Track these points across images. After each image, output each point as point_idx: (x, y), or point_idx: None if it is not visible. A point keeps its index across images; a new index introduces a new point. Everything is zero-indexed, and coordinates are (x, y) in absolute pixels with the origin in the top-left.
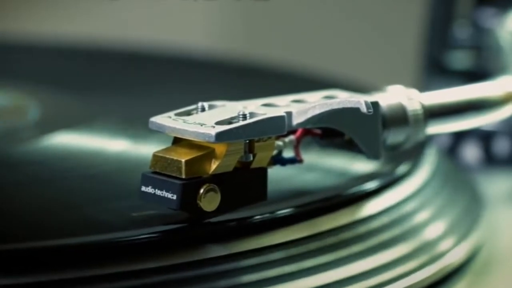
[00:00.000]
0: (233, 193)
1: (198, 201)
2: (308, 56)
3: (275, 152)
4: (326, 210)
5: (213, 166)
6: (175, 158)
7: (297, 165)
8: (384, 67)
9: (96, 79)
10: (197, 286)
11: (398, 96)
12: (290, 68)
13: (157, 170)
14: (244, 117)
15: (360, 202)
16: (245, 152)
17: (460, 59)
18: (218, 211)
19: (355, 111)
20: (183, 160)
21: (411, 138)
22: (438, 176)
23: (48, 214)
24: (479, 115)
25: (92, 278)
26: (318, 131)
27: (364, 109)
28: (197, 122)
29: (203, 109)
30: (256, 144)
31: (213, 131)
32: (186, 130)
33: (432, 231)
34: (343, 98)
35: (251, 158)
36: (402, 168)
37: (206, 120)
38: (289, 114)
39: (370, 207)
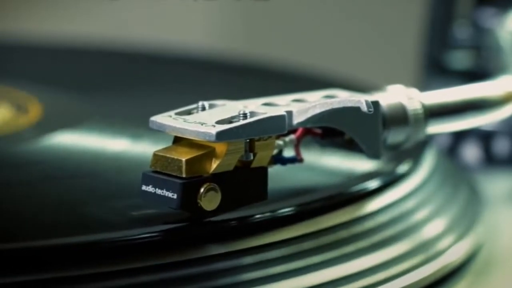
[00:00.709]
0: (234, 192)
1: (199, 201)
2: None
3: (275, 151)
4: (326, 209)
5: (214, 165)
6: (175, 157)
7: (297, 165)
8: (384, 67)
9: (96, 79)
10: (198, 285)
11: (398, 95)
12: (290, 68)
13: (158, 169)
14: (245, 116)
15: (360, 201)
16: (245, 151)
17: (460, 59)
18: (219, 210)
19: (355, 110)
20: (183, 159)
21: (411, 138)
22: (438, 176)
23: (48, 213)
24: (479, 115)
25: (92, 277)
26: (319, 131)
27: (364, 108)
28: (197, 121)
29: (203, 108)
30: (257, 143)
31: (213, 130)
32: (187, 129)
33: (432, 230)
34: (343, 98)
35: (252, 158)
36: (402, 167)
37: (207, 119)
38: (290, 113)
39: (370, 206)
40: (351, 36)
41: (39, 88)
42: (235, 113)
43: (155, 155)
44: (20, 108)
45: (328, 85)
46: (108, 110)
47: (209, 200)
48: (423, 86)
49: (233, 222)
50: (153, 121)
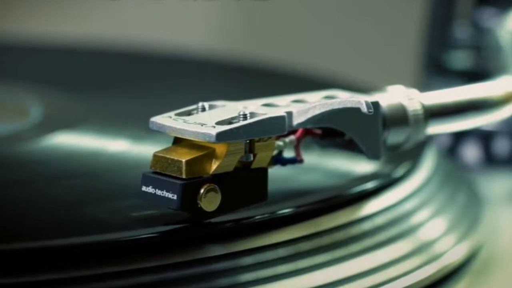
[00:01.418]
0: (234, 193)
1: (199, 201)
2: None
3: (275, 152)
4: (326, 210)
5: (214, 166)
6: (175, 158)
7: (297, 165)
8: (384, 67)
9: (96, 79)
10: (198, 285)
11: (398, 96)
12: (290, 68)
13: (158, 170)
14: (245, 117)
15: (360, 202)
16: (245, 152)
17: (460, 59)
18: (219, 211)
19: (355, 111)
20: (183, 160)
21: (411, 138)
22: (438, 176)
23: (48, 213)
24: (479, 115)
25: (92, 277)
26: (319, 131)
27: (364, 109)
28: (197, 122)
29: (203, 109)
30: (257, 144)
31: (213, 131)
32: (187, 130)
33: (432, 230)
34: (343, 98)
35: (252, 158)
36: (402, 168)
37: (207, 120)
38: (290, 114)
39: (370, 207)
40: (351, 36)
41: (39, 88)
42: (235, 114)
43: (155, 156)
44: (20, 108)
45: (328, 86)
46: (108, 111)
47: (209, 201)
48: (423, 86)
49: (233, 223)
50: (153, 122)
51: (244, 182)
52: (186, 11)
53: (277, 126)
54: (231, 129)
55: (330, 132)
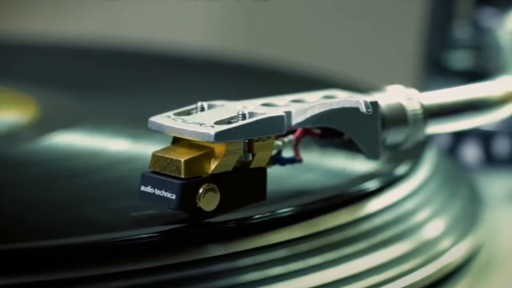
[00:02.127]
0: (233, 192)
1: (198, 201)
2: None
3: (274, 151)
4: (325, 210)
5: (213, 165)
6: (174, 157)
7: (296, 165)
8: (384, 67)
9: (96, 79)
10: (197, 286)
11: (397, 96)
12: (290, 68)
13: (157, 170)
14: (244, 116)
15: (360, 202)
16: (244, 151)
17: (460, 59)
18: (218, 211)
19: (354, 111)
20: (182, 160)
21: (410, 138)
22: (438, 176)
23: (48, 214)
24: (479, 115)
25: (91, 278)
26: (318, 131)
27: (363, 109)
28: (196, 121)
29: (202, 109)
30: (256, 144)
31: (212, 131)
32: (185, 130)
33: (432, 230)
34: (342, 98)
35: (251, 158)
36: (402, 168)
37: (206, 119)
38: (289, 113)
39: (370, 207)
40: (351, 36)
41: (39, 88)
42: (234, 114)
43: (154, 155)
44: (20, 108)
45: (327, 85)
46: (107, 110)
47: (208, 200)
48: (423, 86)
49: (232, 222)
50: (152, 121)
51: (243, 181)
52: (186, 11)
53: (276, 126)
54: (230, 129)
55: (329, 131)
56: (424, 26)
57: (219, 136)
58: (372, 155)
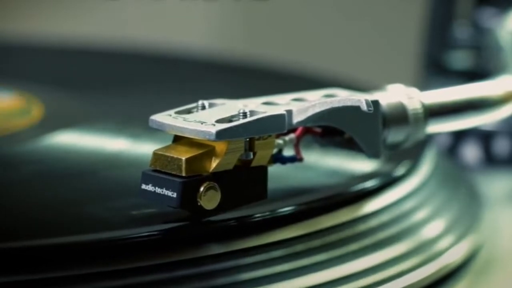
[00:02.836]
0: (234, 191)
1: (198, 199)
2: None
3: (275, 150)
4: (326, 208)
5: (214, 164)
6: (175, 156)
7: (297, 164)
8: (384, 67)
9: (96, 78)
10: (198, 284)
11: (398, 95)
12: (290, 68)
13: (157, 168)
14: (245, 115)
15: (360, 201)
16: (245, 150)
17: (460, 59)
18: (218, 209)
19: (355, 109)
20: (183, 158)
21: (411, 137)
22: (438, 175)
23: (48, 212)
24: (479, 114)
25: (92, 276)
26: (318, 130)
27: (364, 107)
28: (197, 120)
29: (203, 107)
30: (257, 142)
31: (213, 129)
32: (186, 128)
33: (432, 230)
34: (343, 97)
35: (251, 156)
36: (402, 167)
37: (207, 118)
38: (289, 112)
39: (370, 206)
40: (351, 36)
41: (39, 88)
42: (235, 112)
43: (154, 154)
44: (21, 108)
45: (328, 85)
46: (108, 110)
47: (209, 199)
48: (423, 86)
49: (232, 221)
50: (152, 120)
51: (244, 180)
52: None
53: (277, 125)
54: (231, 127)
55: (330, 130)
56: (424, 26)
57: (220, 134)
58: (372, 154)
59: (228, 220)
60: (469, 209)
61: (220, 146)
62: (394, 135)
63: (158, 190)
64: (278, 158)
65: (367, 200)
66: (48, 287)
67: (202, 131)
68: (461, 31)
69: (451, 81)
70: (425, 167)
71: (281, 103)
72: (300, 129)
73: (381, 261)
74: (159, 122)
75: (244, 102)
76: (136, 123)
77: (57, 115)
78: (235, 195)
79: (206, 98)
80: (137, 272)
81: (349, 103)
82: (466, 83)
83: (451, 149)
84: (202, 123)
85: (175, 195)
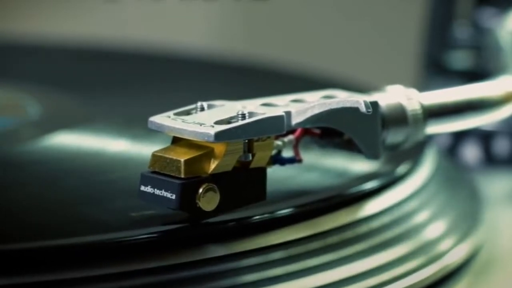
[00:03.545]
0: (233, 192)
1: (197, 201)
2: (308, 56)
3: (274, 151)
4: (325, 210)
5: (212, 165)
6: (174, 157)
7: (296, 165)
8: (384, 67)
9: (96, 79)
10: (197, 286)
11: (397, 96)
12: (290, 68)
13: (156, 170)
14: (243, 116)
15: (360, 202)
16: (244, 151)
17: (460, 59)
18: (217, 210)
19: (354, 110)
20: (182, 160)
21: (410, 138)
22: (438, 176)
23: (48, 214)
24: (479, 114)
25: (91, 278)
26: (317, 131)
27: (363, 108)
28: (196, 121)
29: (202, 109)
30: (255, 144)
31: (212, 131)
32: (185, 130)
33: (432, 231)
34: (342, 98)
35: (250, 158)
36: (402, 168)
37: (205, 119)
38: (288, 113)
39: (370, 207)
40: (351, 36)
41: (39, 88)
42: (233, 114)
43: (153, 155)
44: (20, 108)
45: (327, 85)
46: (108, 110)
47: (208, 200)
48: (423, 86)
49: (232, 223)
50: (151, 121)
51: (243, 181)
52: (186, 11)
53: (276, 126)
54: (229, 129)
55: (329, 131)
56: (424, 26)
57: (219, 136)
58: (372, 155)
59: (227, 221)
60: (469, 209)
61: (219, 148)
62: (393, 136)
63: (157, 191)
64: (277, 160)
65: (366, 201)
66: None
67: (201, 133)
68: (461, 31)
69: (451, 81)
70: (425, 168)
71: (280, 105)
72: (299, 131)
73: (381, 263)
74: (158, 123)
75: (243, 103)
76: (136, 124)
77: (56, 115)
78: (234, 197)
79: (206, 99)
80: (135, 274)
81: (348, 105)
82: (466, 83)
83: (451, 149)
84: (201, 124)
85: (174, 196)
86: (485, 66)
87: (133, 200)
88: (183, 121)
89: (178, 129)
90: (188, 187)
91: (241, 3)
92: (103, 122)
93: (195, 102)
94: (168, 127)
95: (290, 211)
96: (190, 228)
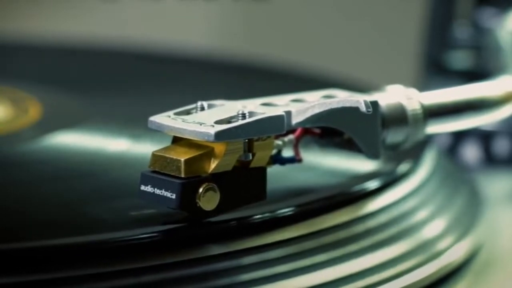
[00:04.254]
0: (233, 192)
1: (198, 200)
2: (308, 56)
3: (274, 151)
4: (325, 209)
5: (213, 165)
6: (174, 157)
7: (296, 165)
8: (384, 67)
9: (96, 79)
10: (197, 285)
11: (397, 95)
12: (290, 68)
13: (156, 169)
14: (244, 116)
15: (360, 201)
16: (244, 151)
17: (460, 59)
18: (218, 210)
19: (354, 110)
20: (182, 159)
21: (410, 138)
22: (438, 176)
23: (48, 213)
24: (479, 114)
25: (92, 277)
26: (317, 131)
27: (363, 108)
28: (196, 121)
29: (202, 108)
30: (255, 143)
31: (212, 130)
32: (185, 129)
33: (432, 230)
34: (342, 98)
35: (251, 158)
36: (402, 168)
37: (205, 119)
38: (288, 113)
39: (370, 206)
40: (351, 36)
41: (39, 88)
42: (234, 113)
43: (153, 155)
44: (20, 108)
45: (327, 85)
46: (108, 110)
47: (208, 200)
48: (423, 86)
49: (232, 222)
50: (152, 121)
51: (243, 181)
52: (186, 11)
53: (276, 126)
54: (229, 128)
55: (329, 131)
56: (424, 26)
57: (219, 135)
58: (372, 154)
59: (227, 221)
60: (469, 209)
61: (219, 147)
62: (393, 136)
63: (157, 191)
64: (277, 159)
65: (366, 200)
66: None
67: (201, 132)
68: (461, 31)
69: (451, 81)
70: (425, 167)
71: (280, 104)
72: (299, 130)
73: (381, 261)
74: (158, 123)
75: (243, 103)
76: (136, 124)
77: (56, 115)
78: (234, 196)
79: (206, 98)
80: (136, 273)
81: (348, 104)
82: (466, 83)
83: (451, 149)
84: (201, 124)
85: (174, 196)
86: (485, 66)
87: (133, 199)
88: (183, 121)
89: (178, 128)
90: (188, 186)
91: (241, 3)
92: (103, 122)
93: (195, 102)
94: (168, 126)
95: (290, 211)
96: (190, 228)
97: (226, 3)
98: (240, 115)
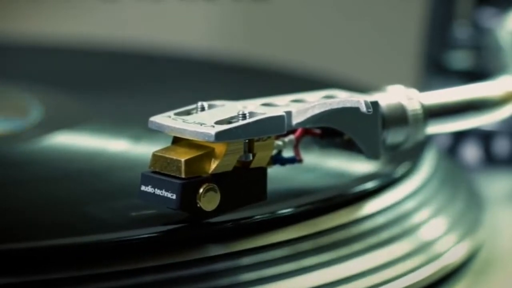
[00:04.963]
0: (233, 192)
1: (198, 201)
2: (308, 56)
3: (274, 151)
4: (326, 210)
5: (213, 165)
6: (174, 157)
7: (296, 165)
8: (384, 67)
9: (96, 79)
10: (197, 285)
11: (397, 96)
12: (290, 68)
13: (157, 170)
14: (244, 116)
15: (360, 202)
16: (244, 151)
17: (460, 59)
18: (218, 210)
19: (354, 110)
20: (182, 160)
21: (410, 138)
22: (438, 176)
23: (48, 213)
24: (479, 115)
25: (92, 277)
26: (318, 131)
27: (363, 108)
28: (196, 121)
29: (202, 109)
30: (256, 144)
31: (212, 131)
32: (186, 130)
33: (432, 230)
34: (342, 98)
35: (251, 158)
36: (402, 168)
37: (206, 119)
38: (289, 113)
39: (370, 207)
40: (351, 36)
41: (39, 88)
42: (234, 114)
43: (154, 155)
44: (21, 108)
45: (327, 85)
46: (108, 110)
47: (208, 200)
48: (423, 86)
49: (232, 222)
50: (152, 121)
51: (243, 181)
52: (186, 11)
53: (276, 126)
54: (230, 129)
55: (330, 131)
56: (424, 26)
57: (220, 136)
58: (372, 155)
59: (228, 221)
60: (469, 209)
61: (220, 148)
62: (394, 136)
63: (158, 191)
64: (278, 160)
65: (366, 201)
66: None
67: (202, 133)
68: (461, 31)
69: (451, 81)
70: (425, 168)
71: (280, 105)
72: (299, 131)
73: (381, 262)
74: (158, 123)
75: (243, 103)
76: (136, 124)
77: (56, 115)
78: (234, 197)
79: (206, 98)
80: (136, 274)
81: (348, 104)
82: (466, 83)
83: (451, 149)
84: (201, 124)
85: (174, 196)
86: (485, 66)
87: (133, 200)
88: (183, 121)
89: (179, 129)
90: (189, 187)
91: (241, 3)
92: (103, 122)
93: (195, 102)
94: (169, 127)
95: (290, 211)
96: (191, 228)
97: (226, 3)
98: (241, 116)
